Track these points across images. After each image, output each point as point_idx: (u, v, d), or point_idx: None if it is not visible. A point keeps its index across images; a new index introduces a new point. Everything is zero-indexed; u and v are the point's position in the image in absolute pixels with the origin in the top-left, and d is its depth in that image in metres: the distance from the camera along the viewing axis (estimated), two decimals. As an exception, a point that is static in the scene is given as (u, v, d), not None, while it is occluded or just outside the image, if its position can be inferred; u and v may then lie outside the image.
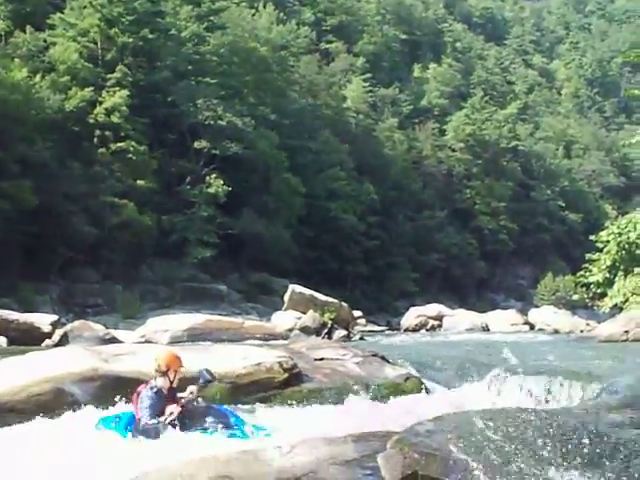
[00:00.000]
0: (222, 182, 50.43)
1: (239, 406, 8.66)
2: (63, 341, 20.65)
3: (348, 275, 60.61)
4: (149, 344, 17.37)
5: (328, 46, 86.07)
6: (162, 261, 48.87)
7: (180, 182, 52.16)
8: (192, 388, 7.59)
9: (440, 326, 36.24)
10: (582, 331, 31.42)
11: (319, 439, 5.30)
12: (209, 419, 7.25)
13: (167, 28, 56.42)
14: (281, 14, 77.42)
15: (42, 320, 22.70)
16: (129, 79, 49.29)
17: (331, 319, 25.15)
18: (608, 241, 29.91)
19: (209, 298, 45.70)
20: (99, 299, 43.16)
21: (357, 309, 35.77)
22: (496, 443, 4.50)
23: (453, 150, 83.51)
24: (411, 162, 77.79)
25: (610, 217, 69.03)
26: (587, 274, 31.36)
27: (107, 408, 7.91)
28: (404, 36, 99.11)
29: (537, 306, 50.16)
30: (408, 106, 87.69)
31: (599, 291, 30.90)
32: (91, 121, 47.33)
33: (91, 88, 47.40)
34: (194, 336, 21.74)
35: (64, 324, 24.65)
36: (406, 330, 36.89)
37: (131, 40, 50.52)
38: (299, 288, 28.09)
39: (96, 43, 50.40)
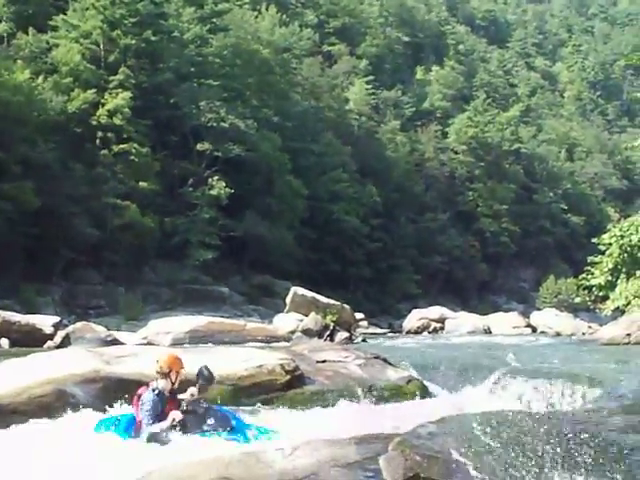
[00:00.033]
0: (224, 184, 50.47)
1: (241, 408, 8.64)
2: (65, 343, 20.67)
3: (350, 277, 60.60)
4: (151, 346, 17.36)
5: (331, 48, 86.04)
6: (164, 263, 48.88)
7: (182, 184, 52.19)
8: (192, 390, 7.58)
9: (442, 328, 36.26)
10: (584, 334, 31.44)
11: (321, 441, 5.30)
12: (210, 421, 7.23)
13: (170, 30, 56.50)
14: (284, 16, 77.35)
15: (44, 322, 22.74)
16: (132, 81, 49.33)
17: (333, 321, 25.16)
18: (610, 244, 29.81)
19: (211, 300, 45.67)
20: (101, 301, 43.19)
21: (359, 311, 35.79)
22: (497, 446, 4.49)
23: (455, 152, 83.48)
24: (413, 164, 77.79)
25: (612, 220, 68.82)
26: (589, 277, 31.26)
27: (108, 410, 7.89)
28: (407, 38, 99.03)
29: (539, 309, 50.19)
30: (410, 108, 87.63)
31: (601, 294, 30.79)
32: (93, 123, 47.42)
33: (93, 90, 47.49)
34: (196, 338, 21.75)
35: (66, 326, 24.68)
36: (408, 332, 36.93)
37: (134, 42, 50.57)
38: (301, 290, 28.13)
39: (99, 45, 50.46)
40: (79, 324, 23.78)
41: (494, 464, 4.30)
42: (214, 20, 62.87)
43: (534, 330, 35.27)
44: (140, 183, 47.04)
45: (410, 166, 76.63)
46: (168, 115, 51.72)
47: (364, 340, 26.33)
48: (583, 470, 4.24)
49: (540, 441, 4.50)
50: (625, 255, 29.00)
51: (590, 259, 31.85)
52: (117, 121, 47.22)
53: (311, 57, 76.17)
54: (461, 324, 35.98)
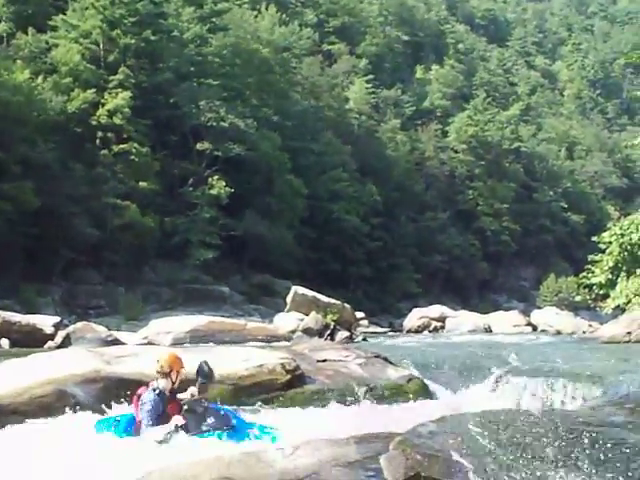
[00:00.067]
0: (224, 184, 50.47)
1: (241, 408, 8.64)
2: (65, 343, 20.64)
3: (351, 276, 60.59)
4: (151, 346, 17.34)
5: (330, 47, 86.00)
6: (164, 263, 48.87)
7: (182, 184, 52.19)
8: (193, 390, 7.59)
9: (443, 327, 36.22)
10: (584, 332, 31.46)
11: (322, 440, 5.30)
12: (210, 420, 7.22)
13: (169, 30, 56.49)
14: (283, 16, 77.31)
15: (44, 322, 22.71)
16: (131, 81, 49.31)
17: (334, 320, 25.13)
18: (610, 242, 29.75)
19: (211, 300, 45.65)
20: (101, 301, 43.18)
21: (360, 310, 35.74)
22: (498, 445, 4.49)
23: (455, 151, 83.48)
24: (414, 163, 77.79)
25: (612, 218, 68.68)
26: (589, 275, 31.19)
27: (107, 412, 7.90)
28: (406, 37, 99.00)
29: (539, 307, 50.16)
30: (410, 107, 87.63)
31: (601, 292, 30.73)
32: (93, 123, 47.41)
33: (93, 90, 47.47)
34: (196, 338, 21.73)
35: (66, 326, 24.63)
36: (409, 331, 36.89)
37: (133, 42, 50.55)
38: (301, 289, 28.11)
39: (98, 45, 50.44)
40: (79, 324, 23.71)
41: (494, 463, 4.29)
42: (214, 19, 62.88)
43: (535, 329, 35.23)
44: (140, 183, 47.02)
45: (410, 165, 76.63)
46: (168, 115, 51.71)
47: (364, 339, 26.29)
48: (583, 470, 4.24)
49: (540, 440, 4.50)
50: (625, 253, 28.95)
51: (590, 257, 31.78)
52: (117, 121, 47.21)
53: (311, 56, 76.13)
54: (461, 323, 35.95)
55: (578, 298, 46.62)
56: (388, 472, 4.48)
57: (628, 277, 28.99)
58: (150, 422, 7.09)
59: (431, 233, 72.48)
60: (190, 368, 7.74)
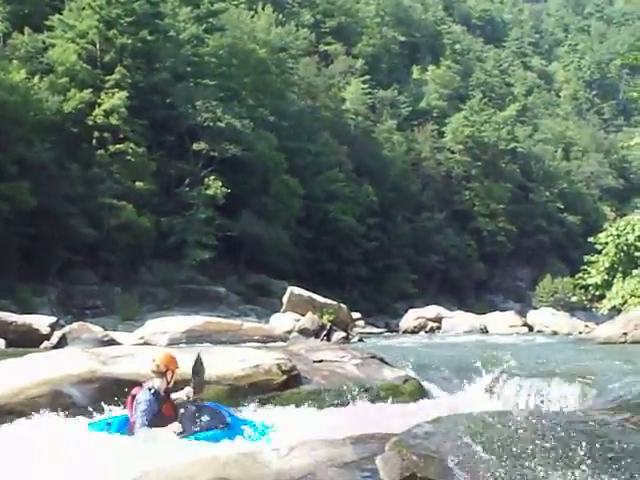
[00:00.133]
0: (221, 184, 50.47)
1: (237, 408, 8.63)
2: (61, 343, 20.60)
3: (347, 277, 60.63)
4: (148, 346, 17.31)
5: (327, 48, 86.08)
6: (161, 263, 48.87)
7: (179, 184, 52.18)
8: (188, 390, 7.58)
9: (439, 328, 36.19)
10: (581, 333, 31.45)
11: (317, 441, 5.29)
12: (204, 418, 7.21)
13: (166, 29, 56.52)
14: (280, 16, 77.35)
15: (40, 322, 22.68)
16: (128, 81, 49.31)
17: (330, 321, 25.11)
18: (606, 243, 29.80)
19: (208, 300, 45.65)
20: (98, 301, 43.15)
21: (356, 311, 35.68)
22: (494, 446, 4.49)
23: (452, 152, 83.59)
24: (410, 164, 77.88)
25: (609, 219, 69.03)
26: (585, 276, 31.26)
27: (95, 415, 7.88)
28: (403, 38, 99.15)
29: (536, 308, 50.14)
30: (407, 108, 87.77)
31: (598, 293, 30.79)
32: (90, 123, 47.39)
33: (90, 90, 47.43)
34: (193, 338, 21.70)
35: (62, 326, 24.57)
36: (405, 332, 36.87)
37: (130, 41, 50.55)
38: (298, 290, 28.06)
39: (95, 44, 50.44)
40: (76, 324, 23.67)
41: (491, 464, 4.29)
42: (210, 20, 62.88)
43: (531, 329, 35.22)
44: (136, 183, 47.03)
45: (406, 165, 76.73)
46: (164, 115, 51.71)
47: (361, 340, 26.27)
48: (580, 470, 4.24)
49: (537, 441, 4.50)
50: (621, 254, 29.01)
51: (586, 258, 31.84)
52: (113, 121, 47.20)
53: (307, 57, 76.22)
54: (458, 323, 35.91)
55: (574, 299, 46.71)
56: (384, 473, 4.47)
57: (624, 278, 29.04)
58: (145, 422, 7.08)
59: (427, 233, 72.57)
60: (185, 368, 7.73)
